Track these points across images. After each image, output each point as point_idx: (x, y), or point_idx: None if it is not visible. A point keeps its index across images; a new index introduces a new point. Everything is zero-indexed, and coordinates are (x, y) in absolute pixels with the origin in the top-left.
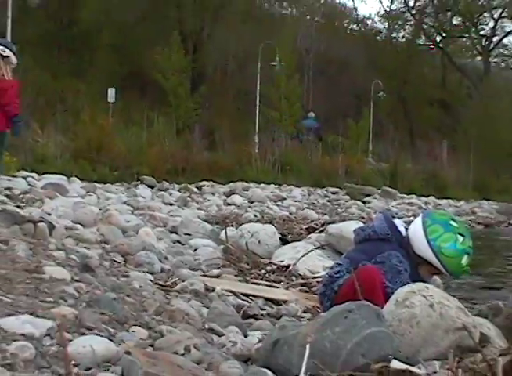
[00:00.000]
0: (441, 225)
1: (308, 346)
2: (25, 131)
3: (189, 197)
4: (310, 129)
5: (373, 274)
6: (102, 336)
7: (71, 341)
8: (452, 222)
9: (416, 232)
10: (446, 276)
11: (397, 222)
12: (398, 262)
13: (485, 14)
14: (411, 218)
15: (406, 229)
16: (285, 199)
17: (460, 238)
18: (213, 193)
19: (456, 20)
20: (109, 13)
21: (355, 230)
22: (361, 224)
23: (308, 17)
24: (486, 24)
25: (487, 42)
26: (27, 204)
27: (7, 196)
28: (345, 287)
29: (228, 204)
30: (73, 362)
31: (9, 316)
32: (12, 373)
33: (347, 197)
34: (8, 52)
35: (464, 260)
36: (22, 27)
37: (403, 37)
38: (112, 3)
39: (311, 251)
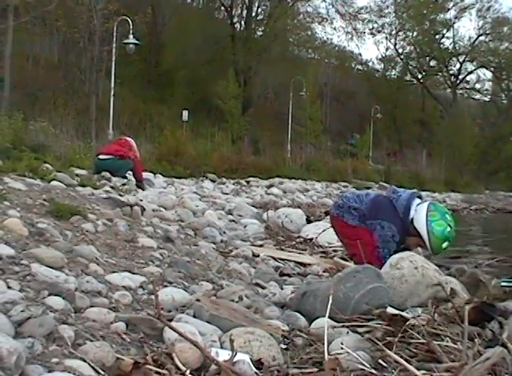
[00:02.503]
0: (439, 213)
1: (330, 297)
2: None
3: (240, 188)
4: (352, 144)
5: (371, 244)
6: (179, 288)
7: (158, 291)
8: (447, 215)
9: (421, 211)
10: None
11: (414, 204)
12: (391, 235)
13: (453, 59)
14: None
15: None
16: (309, 190)
17: (448, 228)
18: (257, 186)
19: (432, 63)
20: (185, 57)
21: (391, 187)
22: None
23: (326, 60)
24: (454, 66)
25: (454, 79)
26: (125, 192)
27: (111, 187)
28: (351, 238)
29: (268, 194)
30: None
31: (113, 272)
32: (116, 313)
33: (354, 189)
34: (133, 143)
35: (445, 244)
36: (122, 67)
37: (394, 74)
38: (186, 50)
39: (328, 228)
